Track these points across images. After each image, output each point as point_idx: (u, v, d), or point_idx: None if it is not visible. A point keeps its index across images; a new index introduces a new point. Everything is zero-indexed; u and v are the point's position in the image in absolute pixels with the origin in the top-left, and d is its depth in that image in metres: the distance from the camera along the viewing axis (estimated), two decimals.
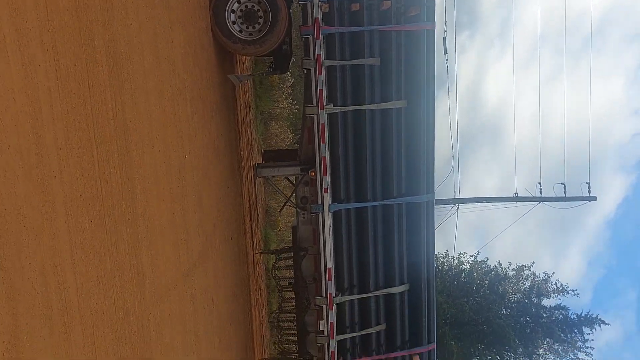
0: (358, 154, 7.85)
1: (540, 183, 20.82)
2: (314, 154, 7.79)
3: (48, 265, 2.76)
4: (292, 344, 9.52)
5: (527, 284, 28.51)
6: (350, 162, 7.86)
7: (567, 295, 29.08)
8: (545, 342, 26.67)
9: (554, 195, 20.54)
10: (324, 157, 7.73)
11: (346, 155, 7.84)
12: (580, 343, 27.47)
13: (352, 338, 8.55)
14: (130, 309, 3.89)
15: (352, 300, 8.35)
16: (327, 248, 8.06)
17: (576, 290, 29.26)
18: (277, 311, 9.23)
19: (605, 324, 25.86)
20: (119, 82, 3.89)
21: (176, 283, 5.20)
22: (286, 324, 9.32)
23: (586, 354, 27.62)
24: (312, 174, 7.82)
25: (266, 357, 10.41)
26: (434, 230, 8.39)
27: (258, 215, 11.57)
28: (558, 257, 53.51)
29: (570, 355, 28.20)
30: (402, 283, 8.47)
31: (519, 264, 29.65)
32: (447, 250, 29.39)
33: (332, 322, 8.23)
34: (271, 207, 13.75)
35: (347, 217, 8.08)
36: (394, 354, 8.54)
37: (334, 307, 8.23)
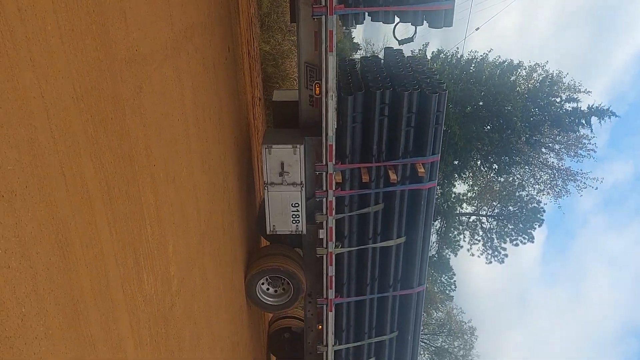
0: None
1: None
2: None
3: None
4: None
5: (540, 79, 27.04)
6: None
7: (579, 94, 27.81)
8: (551, 134, 26.02)
9: None
10: None
11: None
12: (585, 140, 26.89)
13: None
14: None
15: None
16: None
17: (589, 90, 27.94)
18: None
19: (616, 115, 24.88)
20: None
21: None
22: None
23: (588, 152, 27.24)
24: None
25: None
26: None
27: None
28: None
29: (572, 152, 27.86)
30: None
31: (532, 63, 27.94)
32: (457, 48, 27.55)
33: None
34: None
35: None
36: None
37: None
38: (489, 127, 24.01)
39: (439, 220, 31.66)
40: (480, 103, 24.90)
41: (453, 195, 32.27)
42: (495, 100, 24.10)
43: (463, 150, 24.41)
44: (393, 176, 8.18)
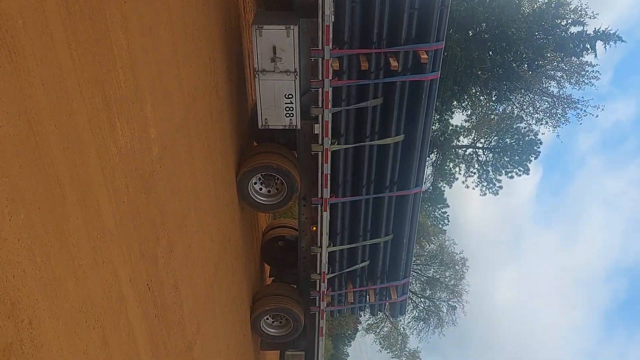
0: None
1: None
2: None
3: None
4: None
5: (545, 0, 25.83)
6: None
7: (585, 18, 26.65)
8: (554, 60, 25.17)
9: None
10: None
11: None
12: (589, 67, 26.06)
13: None
14: None
15: None
16: None
17: (596, 12, 26.77)
18: None
19: (622, 41, 23.99)
20: None
21: None
22: None
23: (590, 80, 26.48)
24: None
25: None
26: None
27: None
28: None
29: (574, 80, 27.09)
30: None
31: None
32: None
33: None
34: None
35: None
36: None
37: None
38: (491, 52, 23.12)
39: (435, 153, 31.25)
40: (483, 25, 23.86)
41: (450, 127, 31.71)
42: (499, 22, 23.07)
43: (463, 74, 23.62)
44: (394, 63, 7.61)
